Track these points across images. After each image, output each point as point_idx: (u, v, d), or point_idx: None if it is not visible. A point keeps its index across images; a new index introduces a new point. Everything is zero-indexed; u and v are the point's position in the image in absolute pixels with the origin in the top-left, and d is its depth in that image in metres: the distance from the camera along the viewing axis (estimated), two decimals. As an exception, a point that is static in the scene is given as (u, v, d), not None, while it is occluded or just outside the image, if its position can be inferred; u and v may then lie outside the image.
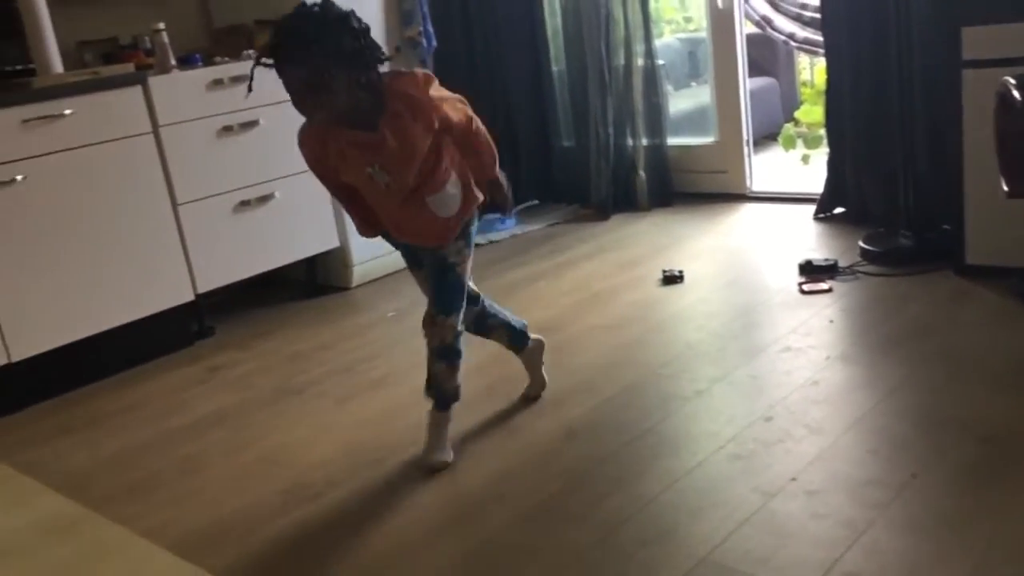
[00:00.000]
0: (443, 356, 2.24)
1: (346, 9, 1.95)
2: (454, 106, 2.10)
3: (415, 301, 3.63)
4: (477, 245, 4.22)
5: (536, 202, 4.65)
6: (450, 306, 2.22)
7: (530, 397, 2.56)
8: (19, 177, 2.83)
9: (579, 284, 3.52)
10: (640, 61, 4.32)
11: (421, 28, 3.86)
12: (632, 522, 1.91)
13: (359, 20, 1.95)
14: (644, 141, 4.41)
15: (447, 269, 2.23)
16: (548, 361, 2.61)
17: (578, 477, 2.12)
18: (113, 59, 3.43)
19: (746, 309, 3.04)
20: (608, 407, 2.46)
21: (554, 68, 4.62)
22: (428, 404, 2.30)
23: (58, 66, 3.02)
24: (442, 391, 2.27)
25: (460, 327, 2.25)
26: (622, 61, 4.33)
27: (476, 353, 2.99)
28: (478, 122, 2.16)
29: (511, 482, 2.14)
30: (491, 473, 2.19)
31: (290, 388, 2.92)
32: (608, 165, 4.42)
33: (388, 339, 3.26)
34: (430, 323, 2.23)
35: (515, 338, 2.52)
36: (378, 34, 3.76)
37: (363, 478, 2.24)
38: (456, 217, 2.19)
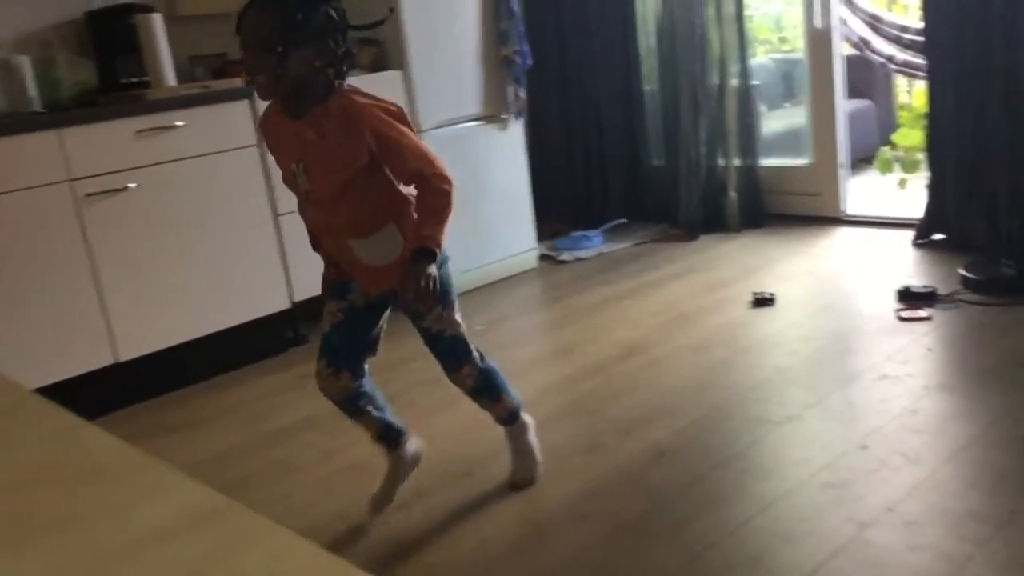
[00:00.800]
0: (479, 393, 2.18)
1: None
2: (411, 138, 1.84)
3: (504, 314, 3.70)
4: (563, 262, 4.31)
5: (624, 221, 4.64)
6: (458, 362, 2.12)
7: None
8: (131, 185, 2.97)
9: (666, 304, 3.50)
10: (734, 81, 4.30)
11: (517, 47, 3.91)
12: (719, 547, 1.89)
13: (342, 14, 1.80)
14: (736, 161, 4.37)
15: (435, 338, 2.08)
16: (636, 380, 2.61)
17: (664, 499, 2.11)
18: (222, 74, 3.57)
19: (840, 335, 2.98)
20: (695, 429, 2.44)
21: (646, 87, 4.62)
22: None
23: (171, 79, 3.16)
24: (501, 415, 2.23)
25: (476, 356, 2.14)
26: (716, 81, 4.31)
27: (559, 370, 3.02)
28: (440, 174, 1.85)
29: (596, 501, 2.14)
30: (575, 491, 2.19)
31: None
32: (698, 185, 4.39)
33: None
34: (455, 375, 2.13)
35: (384, 434, 2.20)
36: (474, 52, 3.88)
37: (450, 490, 2.28)
38: (395, 266, 1.89)
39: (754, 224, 4.36)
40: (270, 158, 3.21)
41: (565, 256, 4.31)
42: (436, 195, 1.85)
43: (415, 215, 1.88)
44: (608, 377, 2.85)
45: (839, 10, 4.24)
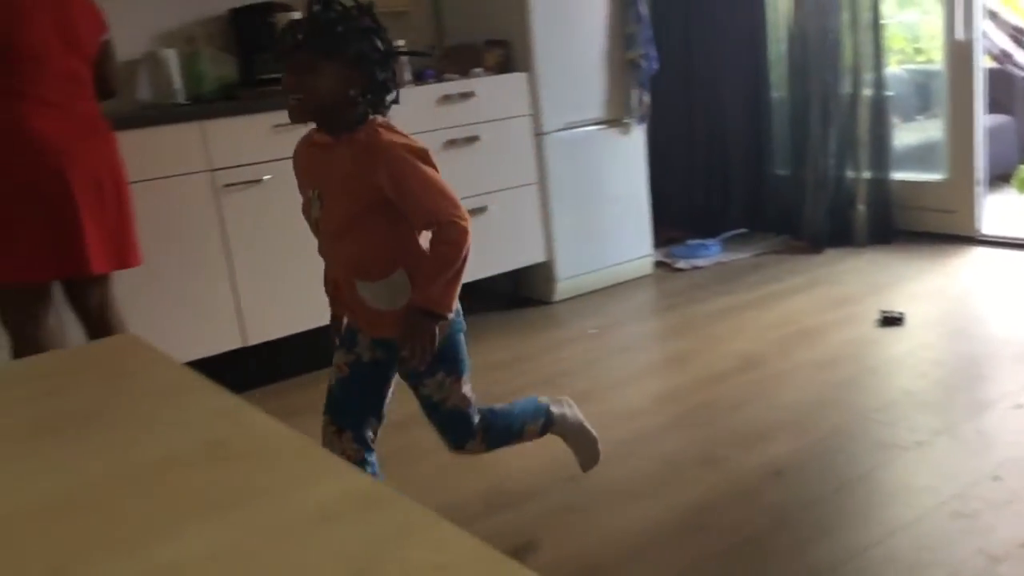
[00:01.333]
0: (498, 446, 2.06)
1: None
2: (430, 181, 1.71)
3: (617, 320, 3.68)
4: (679, 270, 4.25)
5: (744, 231, 4.55)
6: (459, 439, 2.00)
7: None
8: (266, 177, 3.08)
9: (788, 318, 3.41)
10: (867, 91, 4.16)
11: (644, 51, 3.88)
12: (840, 572, 1.83)
13: (388, 45, 1.73)
14: (866, 174, 4.23)
15: (433, 407, 1.94)
16: (755, 393, 2.56)
17: (783, 518, 2.06)
18: (354, 72, 3.66)
19: (973, 359, 2.85)
20: (817, 448, 2.37)
21: (774, 94, 4.52)
22: (627, 421, 2.30)
23: (307, 77, 3.26)
24: (536, 436, 2.11)
25: (479, 430, 2.00)
26: (848, 90, 4.19)
27: (673, 379, 2.98)
28: (455, 221, 1.71)
29: (712, 514, 2.10)
30: (692, 502, 2.16)
31: (492, 395, 2.98)
32: (825, 196, 4.27)
33: (589, 355, 3.29)
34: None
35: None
36: (599, 55, 3.87)
37: (562, 493, 2.28)
38: (398, 314, 1.76)
39: (882, 239, 4.21)
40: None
41: (681, 264, 4.25)
42: (447, 245, 1.71)
43: (425, 266, 1.74)
44: (725, 389, 2.80)
45: (982, 22, 4.06)
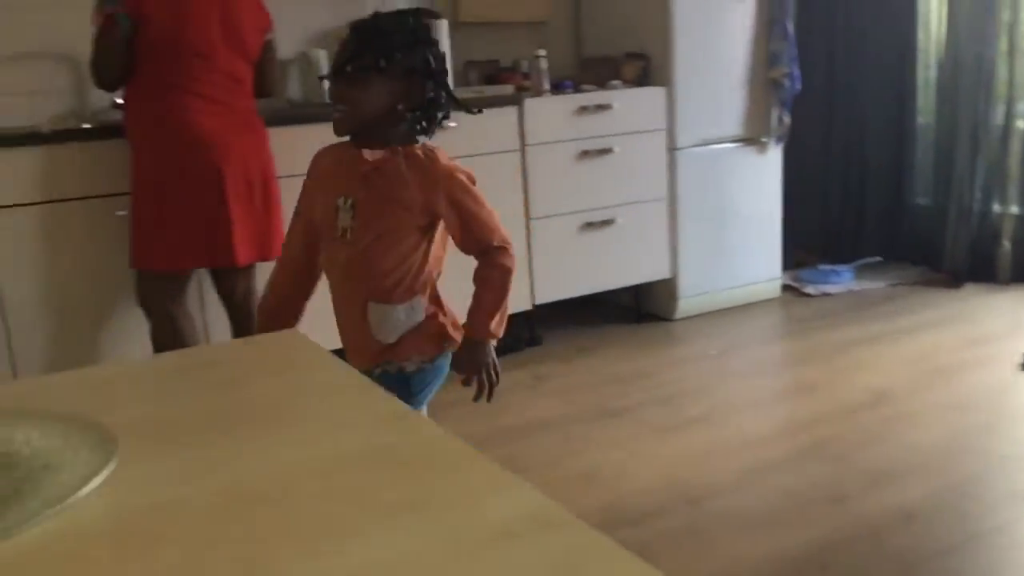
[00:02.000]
0: None
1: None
2: (485, 207, 1.73)
3: (740, 342, 3.61)
4: (807, 295, 4.13)
5: (878, 259, 4.40)
6: None
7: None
8: (403, 178, 3.15)
9: (922, 354, 3.28)
10: (1021, 123, 3.96)
11: (787, 70, 3.80)
12: (973, 626, 1.75)
13: (441, 62, 1.74)
14: (1014, 208, 4.02)
15: None
16: (885, 431, 2.47)
17: (913, 564, 1.98)
18: (493, 79, 3.72)
19: None
20: (950, 495, 2.27)
21: (920, 120, 4.35)
22: (750, 448, 2.25)
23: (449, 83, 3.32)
24: None
25: None
26: (1000, 121, 4.00)
27: (798, 408, 2.90)
28: (507, 248, 1.76)
29: (838, 554, 2.04)
30: (816, 539, 2.10)
31: (610, 409, 2.99)
32: (968, 230, 4.08)
33: (709, 376, 3.24)
34: None
35: None
36: (740, 72, 3.81)
37: (680, 515, 2.25)
38: (397, 347, 1.75)
39: (1028, 278, 4.00)
40: (528, 161, 3.36)
41: (810, 289, 4.14)
42: (501, 270, 1.75)
43: (477, 292, 1.76)
44: (854, 424, 2.71)
45: None
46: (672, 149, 3.70)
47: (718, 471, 2.46)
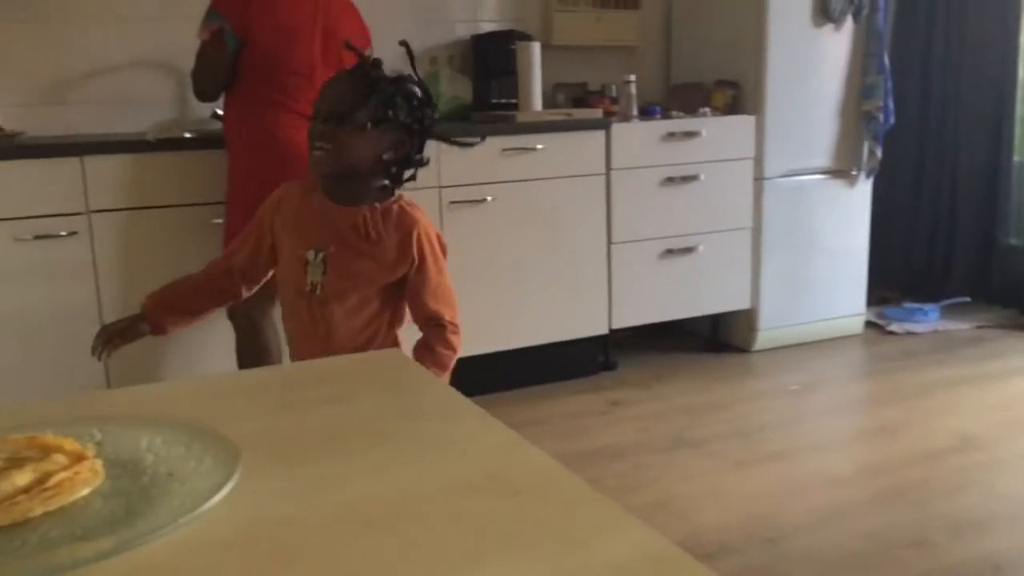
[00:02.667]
0: None
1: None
2: (447, 280, 1.76)
3: (821, 378, 3.54)
4: (891, 333, 4.03)
5: (966, 299, 4.27)
6: None
7: None
8: (489, 198, 3.18)
9: (1012, 400, 3.17)
10: None
11: (881, 103, 3.74)
12: None
13: (430, 116, 1.76)
14: (1116, 254, 3.87)
15: None
16: (972, 478, 2.39)
17: (1002, 619, 1.91)
18: (580, 103, 3.73)
19: None
20: (1041, 549, 2.19)
21: (1015, 159, 4.22)
22: (830, 489, 2.20)
23: (538, 104, 3.35)
24: None
25: None
26: (1103, 162, 3.86)
27: (880, 450, 2.82)
28: (456, 327, 1.79)
29: (921, 602, 1.98)
30: (898, 586, 2.05)
31: (686, 439, 2.96)
32: (1064, 274, 3.94)
33: (789, 412, 3.18)
34: None
35: None
36: (833, 103, 3.75)
37: (759, 553, 2.21)
38: None
39: None
40: (612, 185, 3.36)
41: (895, 327, 4.04)
42: (446, 348, 1.76)
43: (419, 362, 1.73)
44: (939, 469, 2.63)
45: None
46: (759, 178, 3.66)
47: (797, 510, 2.41)
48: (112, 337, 1.81)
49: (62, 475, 0.72)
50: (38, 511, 0.69)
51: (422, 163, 1.78)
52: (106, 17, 3.18)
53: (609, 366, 3.67)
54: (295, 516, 0.69)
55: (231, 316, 2.75)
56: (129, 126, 3.12)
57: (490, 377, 3.38)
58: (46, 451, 0.76)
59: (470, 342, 3.22)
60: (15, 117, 3.02)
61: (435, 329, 1.76)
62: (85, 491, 0.73)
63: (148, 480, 0.76)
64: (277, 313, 2.82)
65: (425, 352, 1.76)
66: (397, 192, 1.77)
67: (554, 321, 3.40)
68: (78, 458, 0.75)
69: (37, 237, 2.63)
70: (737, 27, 3.68)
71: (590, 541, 0.64)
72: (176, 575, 0.62)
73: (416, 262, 1.71)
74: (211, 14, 2.55)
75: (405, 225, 1.71)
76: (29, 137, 2.92)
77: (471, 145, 2.01)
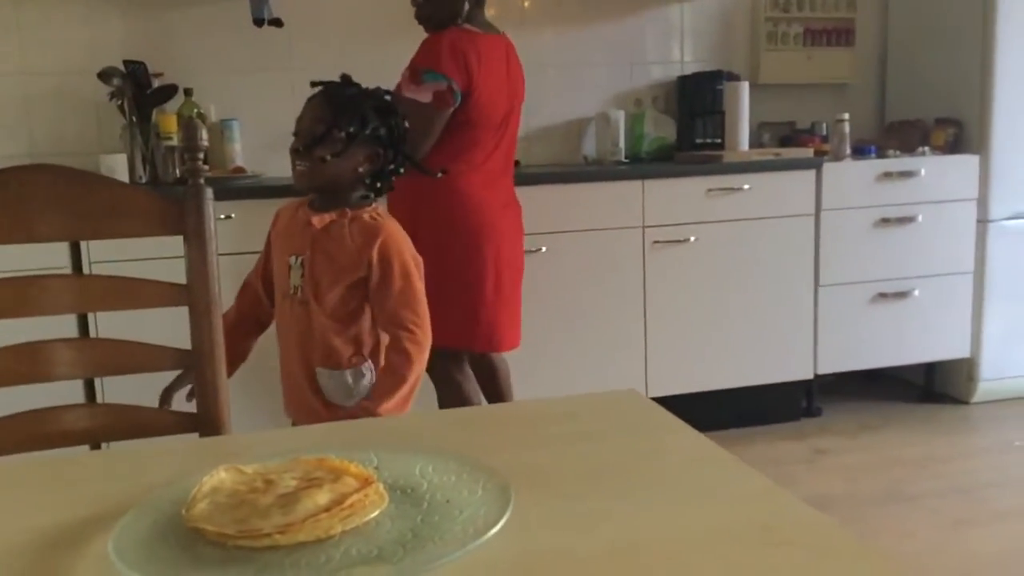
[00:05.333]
0: None
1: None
2: (416, 287, 1.77)
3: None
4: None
5: None
6: None
7: None
8: (692, 238, 3.17)
9: None
10: None
11: None
12: None
13: (403, 133, 1.85)
14: None
15: None
16: None
17: None
18: (788, 142, 3.66)
19: None
20: None
21: None
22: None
23: (744, 144, 3.32)
24: None
25: None
26: None
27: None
28: (421, 334, 1.76)
29: None
30: None
31: (900, 493, 2.81)
32: None
33: (1017, 469, 2.96)
34: None
35: None
36: None
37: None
38: (349, 411, 1.79)
39: None
40: (822, 226, 3.26)
41: None
42: (405, 356, 1.75)
43: (384, 371, 1.79)
44: None
45: None
46: (983, 221, 3.45)
47: (1031, 578, 2.24)
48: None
49: (355, 496, 0.79)
50: (338, 529, 0.76)
51: (398, 172, 1.88)
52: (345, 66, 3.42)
53: (813, 412, 3.55)
54: (568, 550, 0.72)
55: (431, 373, 2.50)
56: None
57: (689, 418, 3.34)
58: (336, 473, 0.84)
59: (670, 382, 3.24)
60: (255, 161, 3.31)
61: (396, 336, 1.79)
62: (375, 512, 0.79)
63: (428, 506, 0.81)
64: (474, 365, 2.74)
65: (387, 367, 1.80)
66: (374, 203, 1.87)
67: (757, 364, 3.33)
68: (365, 481, 0.82)
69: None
70: (960, 62, 3.50)
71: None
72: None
73: (376, 268, 1.77)
74: (429, 74, 2.40)
75: (370, 232, 1.79)
76: (267, 178, 3.18)
77: (435, 175, 2.17)
